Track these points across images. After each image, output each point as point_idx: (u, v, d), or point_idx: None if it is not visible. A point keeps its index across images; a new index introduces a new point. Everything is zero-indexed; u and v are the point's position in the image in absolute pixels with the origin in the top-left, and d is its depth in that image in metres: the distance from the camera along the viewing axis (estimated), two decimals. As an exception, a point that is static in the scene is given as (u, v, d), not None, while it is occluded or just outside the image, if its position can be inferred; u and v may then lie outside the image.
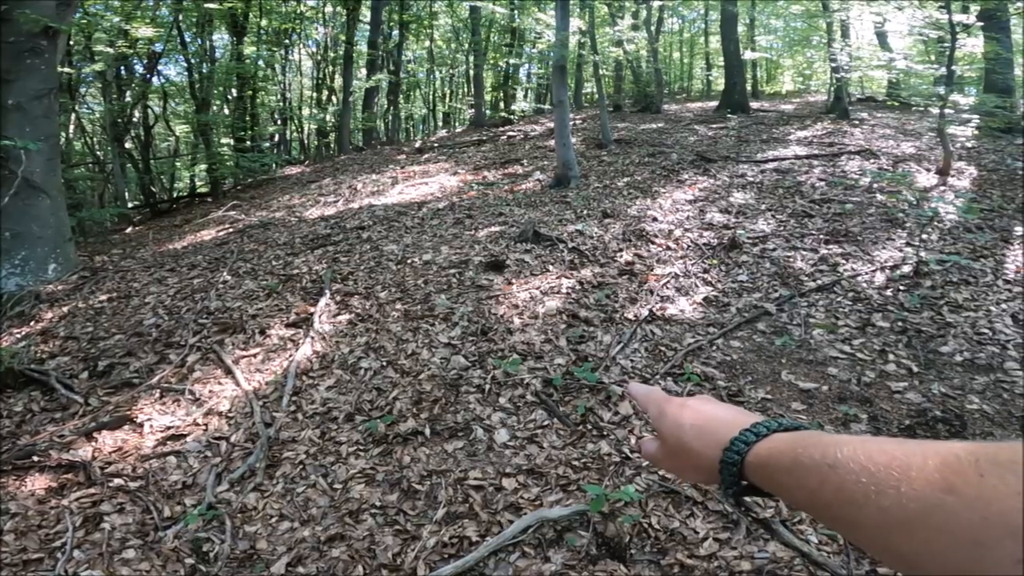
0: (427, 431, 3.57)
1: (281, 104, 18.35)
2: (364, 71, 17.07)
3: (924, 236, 5.71)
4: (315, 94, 19.79)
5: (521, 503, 3.08)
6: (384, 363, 4.17)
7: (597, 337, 4.24)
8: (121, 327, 5.06)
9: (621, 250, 5.51)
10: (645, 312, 4.45)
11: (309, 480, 3.31)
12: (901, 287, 4.86)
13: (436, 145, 12.54)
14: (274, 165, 13.95)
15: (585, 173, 8.55)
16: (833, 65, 13.19)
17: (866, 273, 5.05)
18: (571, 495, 3.14)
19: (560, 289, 4.80)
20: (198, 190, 14.08)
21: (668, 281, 4.89)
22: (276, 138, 19.43)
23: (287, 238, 6.76)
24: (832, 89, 18.45)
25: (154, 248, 7.71)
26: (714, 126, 11.95)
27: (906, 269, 5.11)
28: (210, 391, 4.10)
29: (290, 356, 4.33)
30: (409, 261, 5.61)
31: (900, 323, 4.41)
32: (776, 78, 22.73)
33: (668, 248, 5.54)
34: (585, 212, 6.65)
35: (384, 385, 3.99)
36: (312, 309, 4.85)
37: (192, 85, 13.30)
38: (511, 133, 12.54)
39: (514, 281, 5.01)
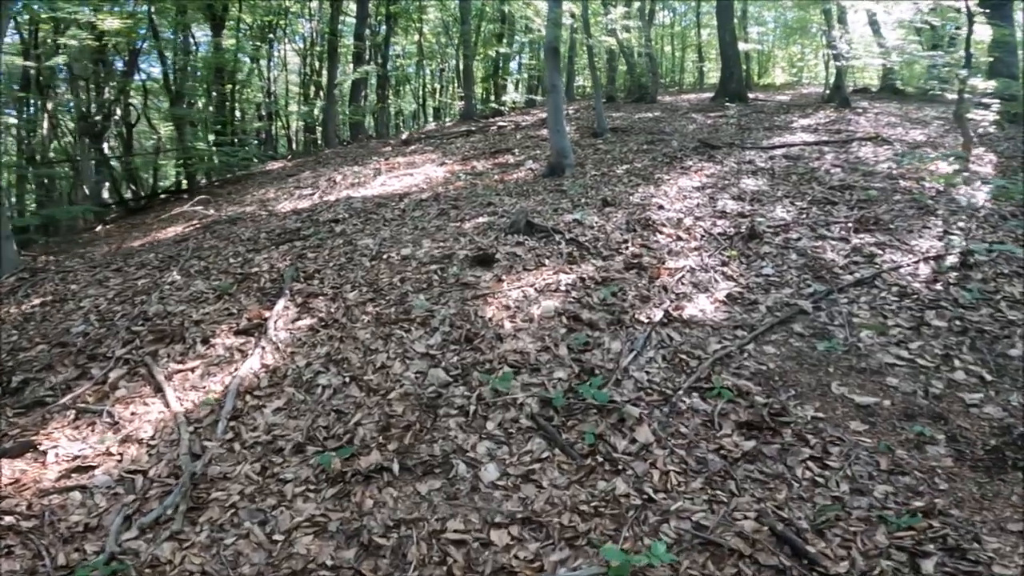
0: (395, 467, 2.77)
1: (267, 99, 17.40)
2: (351, 65, 16.14)
3: (963, 224, 4.94)
4: (302, 89, 18.85)
5: (515, 565, 2.29)
6: (347, 379, 3.34)
7: (604, 344, 3.43)
8: (47, 335, 4.21)
9: (626, 241, 4.71)
10: (659, 313, 3.65)
11: (241, 528, 2.51)
12: (951, 280, 4.08)
13: (423, 137, 11.69)
14: (255, 160, 13.05)
15: (580, 161, 7.74)
16: (834, 52, 12.47)
17: (908, 264, 4.26)
18: (580, 552, 2.35)
19: (558, 286, 3.99)
20: (174, 186, 13.13)
21: (683, 276, 4.09)
22: (263, 134, 18.50)
23: (252, 233, 5.91)
24: (830, 78, 17.74)
25: (110, 246, 6.83)
26: (712, 115, 11.16)
27: (951, 260, 4.33)
28: (132, 413, 3.27)
29: (235, 370, 3.50)
30: (385, 256, 4.77)
31: (958, 322, 3.63)
32: (768, 71, 21.99)
33: (679, 238, 4.74)
34: (583, 200, 5.84)
35: (345, 407, 3.17)
36: (267, 313, 4.01)
37: (166, 78, 12.35)
38: (501, 124, 11.71)
39: (504, 278, 4.19)
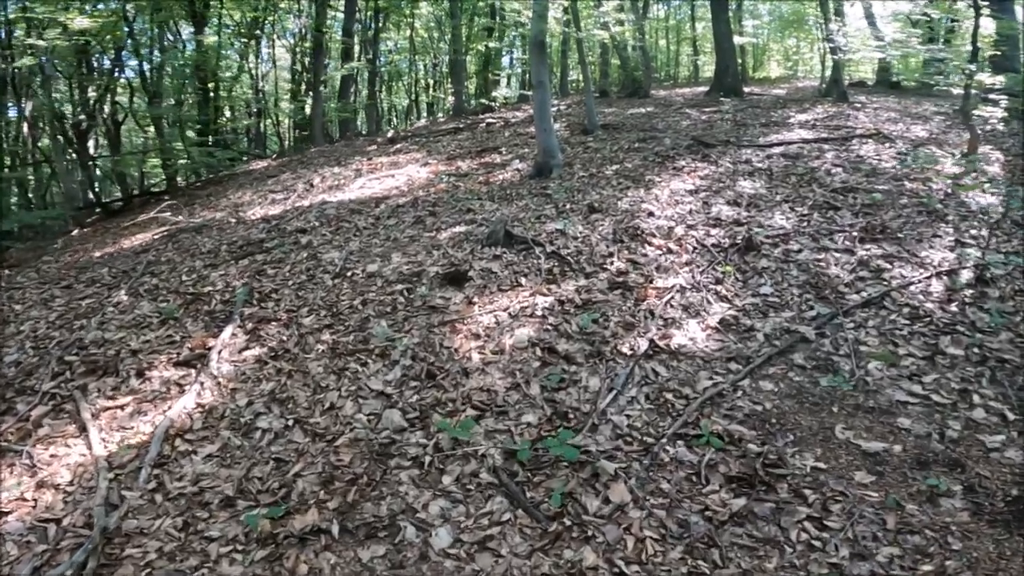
0: (335, 529, 2.37)
1: (256, 97, 16.86)
2: (341, 61, 15.60)
3: (976, 231, 4.52)
4: (292, 86, 18.30)
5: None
6: (291, 422, 2.93)
7: (581, 380, 3.02)
8: (-24, 365, 3.78)
9: (611, 255, 4.28)
10: (645, 343, 3.23)
11: (156, 597, 2.12)
12: (966, 299, 3.66)
13: (410, 135, 11.21)
14: (242, 158, 12.57)
15: (569, 161, 7.28)
16: (831, 46, 11.99)
17: (918, 280, 3.84)
18: (542, 645, 1.95)
19: (534, 311, 3.57)
20: (150, 188, 12.66)
21: (672, 296, 3.66)
22: (252, 132, 17.97)
23: (214, 244, 5.48)
24: (826, 72, 17.22)
25: (72, 257, 6.39)
26: (707, 110, 10.68)
27: (967, 275, 3.91)
28: (52, 455, 2.88)
29: (169, 408, 3.08)
30: (350, 273, 4.35)
31: (976, 350, 3.22)
32: (763, 64, 21.44)
33: (669, 251, 4.31)
34: (568, 206, 5.40)
35: (286, 454, 2.76)
36: (212, 342, 3.59)
37: (143, 76, 11.84)
38: (490, 120, 11.23)
39: (476, 300, 3.77)
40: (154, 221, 7.71)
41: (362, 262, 4.51)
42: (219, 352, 3.50)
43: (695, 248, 4.37)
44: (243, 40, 15.57)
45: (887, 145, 7.39)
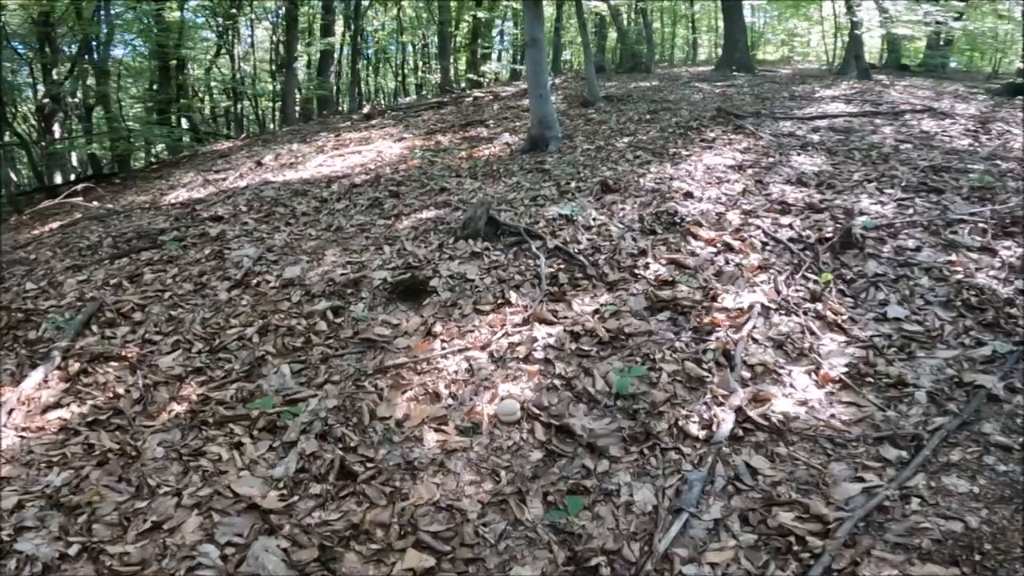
0: None
1: (233, 79, 15.11)
2: (320, 36, 13.85)
3: None
4: (272, 67, 16.54)
5: None
6: (75, 548, 1.44)
7: (619, 492, 1.54)
8: None
9: (643, 252, 2.79)
10: (729, 417, 1.74)
11: None
12: None
13: (388, 110, 9.59)
14: (208, 139, 10.93)
15: (569, 134, 5.76)
16: (854, 20, 10.54)
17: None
18: None
19: (532, 350, 2.07)
20: (92, 173, 10.99)
21: (754, 325, 2.17)
22: (232, 116, 16.24)
23: (99, 237, 3.93)
24: (831, 53, 15.69)
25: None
26: (719, 84, 9.15)
27: None
28: None
29: None
30: (257, 281, 2.82)
31: None
32: (759, 48, 19.87)
33: (728, 248, 2.82)
34: (574, 184, 3.89)
35: None
36: (8, 393, 2.07)
37: (87, 49, 10.13)
38: (478, 95, 9.62)
39: (439, 328, 2.27)
40: (71, 208, 6.13)
41: (281, 263, 2.99)
42: (9, 412, 1.99)
43: (765, 244, 2.88)
44: (220, 20, 13.83)
45: (947, 121, 5.92)
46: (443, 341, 2.16)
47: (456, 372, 1.99)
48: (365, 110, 9.62)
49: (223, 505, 1.59)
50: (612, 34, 12.88)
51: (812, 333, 2.16)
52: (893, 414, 1.78)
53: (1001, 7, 12.11)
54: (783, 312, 2.29)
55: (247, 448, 1.78)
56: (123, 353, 2.29)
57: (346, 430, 1.81)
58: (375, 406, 1.88)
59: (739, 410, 1.76)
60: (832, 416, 1.76)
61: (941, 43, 13.28)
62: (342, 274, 2.75)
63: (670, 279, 2.50)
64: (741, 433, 1.70)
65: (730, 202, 3.44)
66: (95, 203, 5.67)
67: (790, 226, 3.08)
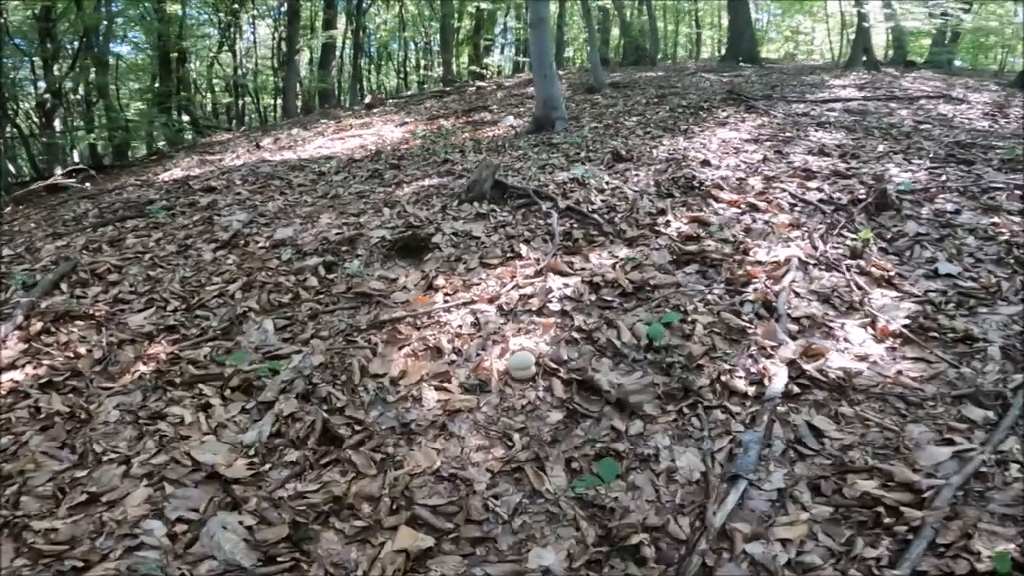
0: None
1: (235, 75, 14.90)
2: (322, 30, 13.63)
3: None
4: (274, 63, 16.33)
5: None
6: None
7: (658, 458, 1.27)
8: None
9: (662, 212, 2.53)
10: (781, 371, 1.48)
11: None
12: None
13: (390, 100, 9.35)
14: (208, 131, 10.70)
15: (575, 116, 5.52)
16: (861, 12, 10.37)
17: None
18: None
19: (546, 301, 1.81)
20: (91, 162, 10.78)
21: (792, 279, 1.91)
22: (234, 111, 16.01)
23: (87, 209, 3.69)
24: (836, 48, 15.49)
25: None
26: (727, 75, 8.91)
27: None
28: None
29: None
30: (245, 242, 2.57)
31: None
32: (764, 45, 19.65)
33: (753, 208, 2.56)
34: (584, 155, 3.64)
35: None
36: (-47, 357, 1.81)
37: (87, 40, 9.90)
38: (481, 85, 9.38)
39: (442, 280, 2.01)
40: (61, 189, 5.88)
41: (273, 225, 2.74)
42: (-43, 378, 1.73)
43: (793, 205, 2.62)
44: (222, 16, 13.64)
45: (963, 106, 5.68)
46: (446, 294, 1.90)
47: (461, 327, 1.73)
48: (367, 100, 9.38)
49: (179, 475, 1.32)
50: (615, 31, 12.65)
51: (859, 288, 1.90)
52: (968, 371, 1.52)
53: (1000, 10, 11.90)
54: (822, 267, 2.03)
55: (216, 410, 1.52)
56: (91, 311, 2.03)
57: (332, 389, 1.55)
58: (367, 362, 1.62)
59: (792, 364, 1.50)
60: (899, 373, 1.50)
61: (947, 40, 13.08)
62: (337, 234, 2.49)
63: (694, 234, 2.24)
64: (797, 390, 1.44)
65: (750, 169, 3.18)
66: (87, 184, 5.42)
67: (818, 189, 2.82)
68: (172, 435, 1.42)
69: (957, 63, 14.93)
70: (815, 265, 2.05)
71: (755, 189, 2.85)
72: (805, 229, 2.35)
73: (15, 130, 10.37)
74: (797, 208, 2.60)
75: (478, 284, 1.95)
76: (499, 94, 8.11)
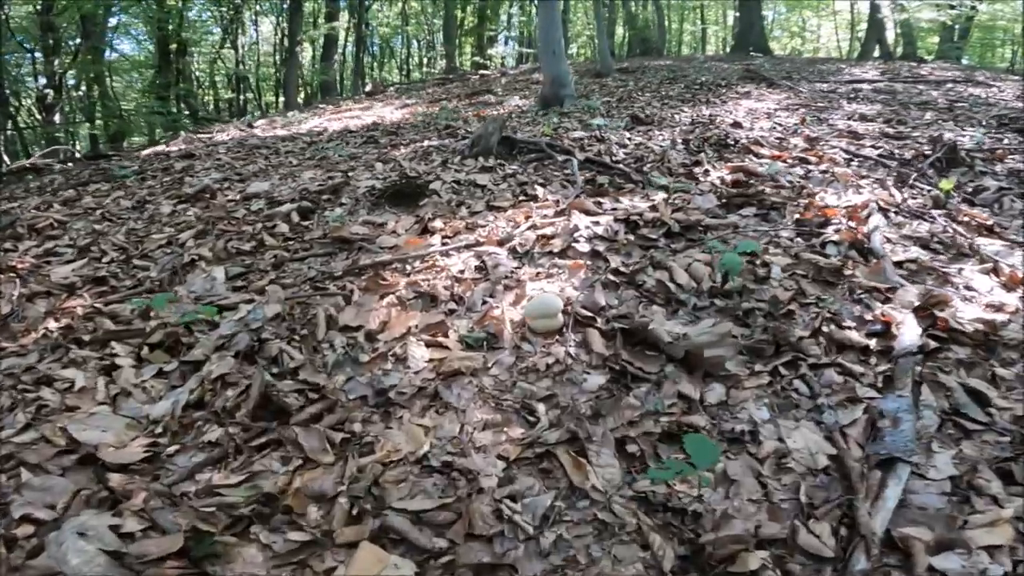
0: None
1: (237, 69, 14.60)
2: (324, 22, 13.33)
3: None
4: (276, 59, 16.04)
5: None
6: None
7: (753, 436, 0.85)
8: None
9: (697, 163, 2.12)
10: (911, 323, 1.06)
11: None
12: None
13: (392, 88, 8.99)
14: (206, 123, 10.34)
15: (584, 95, 5.12)
16: (875, 3, 10.08)
17: None
18: None
19: (570, 245, 1.40)
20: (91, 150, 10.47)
21: (876, 224, 1.50)
22: (235, 106, 15.72)
23: (56, 176, 3.29)
24: (843, 43, 15.15)
25: None
26: (738, 64, 8.54)
27: None
28: None
29: None
30: (212, 195, 2.16)
31: None
32: (770, 42, 19.36)
33: (803, 161, 2.16)
34: (597, 119, 3.23)
35: None
36: None
37: (87, 38, 9.58)
38: (485, 73, 9.01)
39: (439, 224, 1.60)
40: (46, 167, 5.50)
41: (249, 182, 2.34)
42: None
43: (849, 160, 2.22)
44: (224, 11, 13.36)
45: (993, 89, 5.29)
46: (444, 237, 1.50)
47: (463, 271, 1.32)
48: (367, 88, 9.02)
49: (43, 457, 0.91)
50: (619, 30, 12.30)
51: (962, 236, 1.49)
52: None
53: (1007, 8, 11.59)
54: (907, 215, 1.62)
55: (123, 372, 1.11)
56: (14, 264, 1.63)
57: (287, 346, 1.14)
58: (337, 312, 1.21)
59: (919, 311, 1.09)
60: (1047, 324, 1.09)
61: (955, 37, 12.75)
62: (319, 185, 2.09)
63: (742, 180, 1.84)
64: (933, 344, 1.03)
65: (788, 131, 2.78)
66: (70, 164, 5.04)
67: (873, 146, 2.42)
68: (56, 405, 1.02)
69: (965, 61, 14.57)
70: (896, 213, 1.64)
71: (799, 146, 2.45)
72: (874, 178, 1.95)
73: (14, 125, 10.05)
74: (854, 163, 2.20)
75: (484, 226, 1.55)
76: (503, 80, 7.73)
